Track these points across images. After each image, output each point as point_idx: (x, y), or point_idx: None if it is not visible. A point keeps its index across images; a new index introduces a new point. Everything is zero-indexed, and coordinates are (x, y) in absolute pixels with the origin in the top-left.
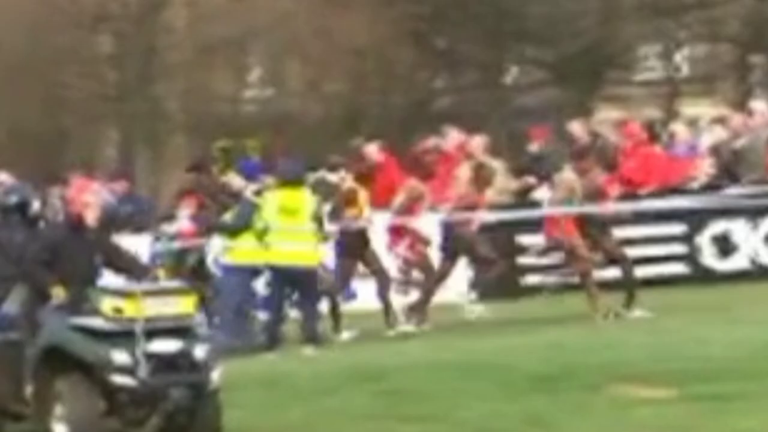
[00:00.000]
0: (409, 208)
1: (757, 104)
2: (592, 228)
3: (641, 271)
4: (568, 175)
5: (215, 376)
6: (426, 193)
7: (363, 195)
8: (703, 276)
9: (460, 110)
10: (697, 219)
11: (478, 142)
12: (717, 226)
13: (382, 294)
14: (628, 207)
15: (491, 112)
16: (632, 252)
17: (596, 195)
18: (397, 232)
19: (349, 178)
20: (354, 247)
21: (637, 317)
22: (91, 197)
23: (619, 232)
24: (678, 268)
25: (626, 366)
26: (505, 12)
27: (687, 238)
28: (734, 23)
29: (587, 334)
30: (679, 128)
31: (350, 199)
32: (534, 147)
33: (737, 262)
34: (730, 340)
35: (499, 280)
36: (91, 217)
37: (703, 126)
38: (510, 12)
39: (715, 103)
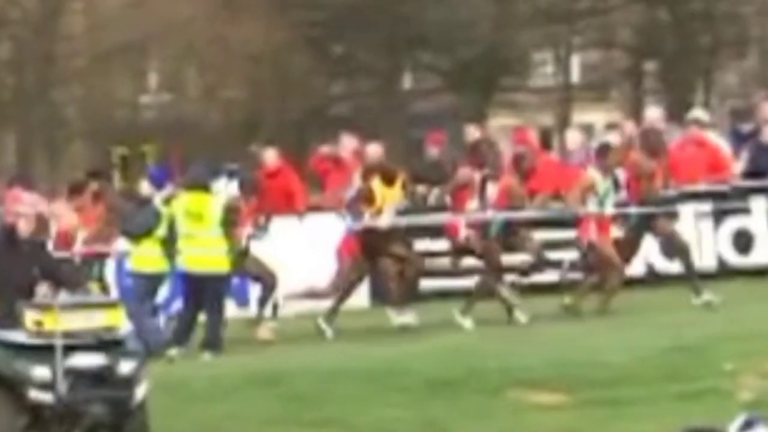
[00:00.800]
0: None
1: (650, 112)
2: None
3: (537, 278)
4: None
5: (141, 391)
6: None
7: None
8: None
9: (356, 116)
10: None
11: (374, 149)
12: (613, 233)
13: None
14: (518, 214)
15: (388, 118)
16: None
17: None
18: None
19: None
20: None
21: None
22: (25, 208)
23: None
24: (574, 275)
25: (523, 371)
26: (401, 19)
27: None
28: (627, 30)
29: (485, 340)
30: (572, 134)
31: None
32: (431, 153)
33: (633, 269)
34: (625, 346)
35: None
36: (24, 228)
37: (596, 132)
38: (406, 19)
39: (608, 110)
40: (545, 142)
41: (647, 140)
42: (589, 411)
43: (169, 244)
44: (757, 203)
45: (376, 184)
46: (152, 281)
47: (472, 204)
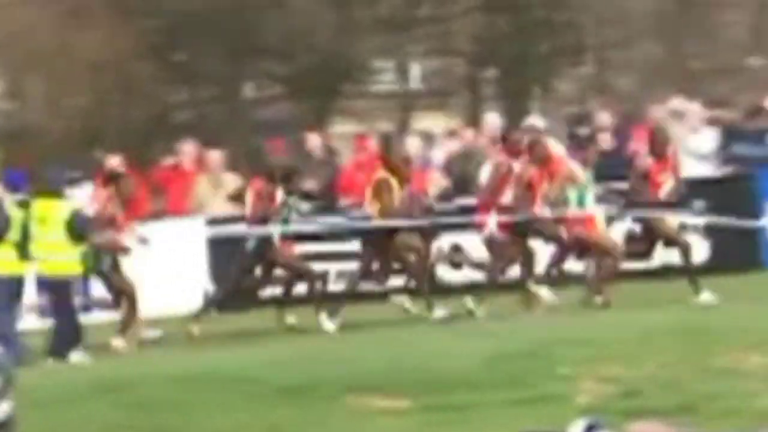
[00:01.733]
0: None
1: (489, 118)
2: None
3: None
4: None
5: (2, 409)
6: None
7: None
8: (435, 289)
9: (198, 124)
10: (428, 231)
11: (215, 156)
12: (449, 239)
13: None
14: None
15: (229, 125)
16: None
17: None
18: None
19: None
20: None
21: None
22: None
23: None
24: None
25: (365, 377)
26: (242, 27)
27: None
28: (466, 38)
29: (328, 346)
30: (412, 141)
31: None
32: (273, 160)
33: (469, 274)
34: (464, 351)
35: (238, 292)
36: None
37: (436, 139)
38: (247, 27)
39: (448, 116)
40: (386, 149)
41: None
42: (430, 416)
43: (23, 247)
44: None
45: (389, 176)
46: (9, 285)
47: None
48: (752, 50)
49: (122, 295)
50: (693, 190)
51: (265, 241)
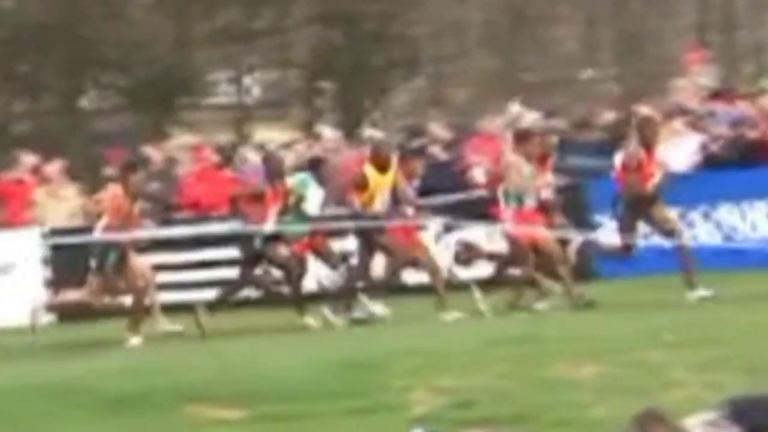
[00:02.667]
0: None
1: (325, 130)
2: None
3: (210, 294)
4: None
5: None
6: None
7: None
8: (272, 298)
9: (38, 135)
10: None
11: (53, 167)
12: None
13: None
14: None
15: (69, 136)
16: (205, 275)
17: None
18: None
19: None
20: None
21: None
22: None
23: (194, 255)
24: (251, 291)
25: (201, 387)
26: (81, 39)
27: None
28: (303, 50)
29: (164, 357)
30: (249, 152)
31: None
32: (110, 170)
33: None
34: (301, 361)
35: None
36: None
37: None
38: (86, 39)
39: (286, 128)
40: (224, 160)
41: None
42: (264, 426)
43: None
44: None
45: (369, 170)
46: None
47: None
48: (583, 63)
49: None
50: None
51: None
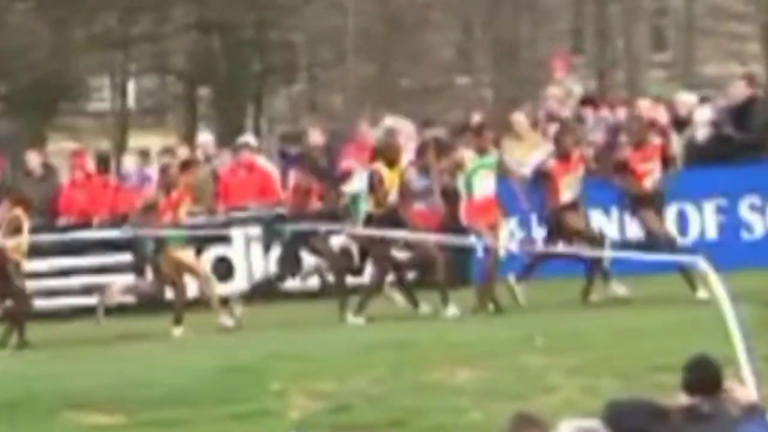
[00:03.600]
0: None
1: (202, 137)
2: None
3: (87, 300)
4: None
5: None
6: None
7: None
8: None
9: None
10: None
11: None
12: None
13: None
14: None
15: None
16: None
17: None
18: None
19: None
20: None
21: None
22: None
23: (69, 261)
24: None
25: (83, 393)
26: None
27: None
28: (181, 57)
29: (44, 363)
30: (128, 159)
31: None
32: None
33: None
34: (181, 366)
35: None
36: None
37: (152, 157)
38: None
39: (164, 134)
40: (103, 166)
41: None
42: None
43: None
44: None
45: (381, 167)
46: None
47: None
48: (459, 70)
49: None
50: None
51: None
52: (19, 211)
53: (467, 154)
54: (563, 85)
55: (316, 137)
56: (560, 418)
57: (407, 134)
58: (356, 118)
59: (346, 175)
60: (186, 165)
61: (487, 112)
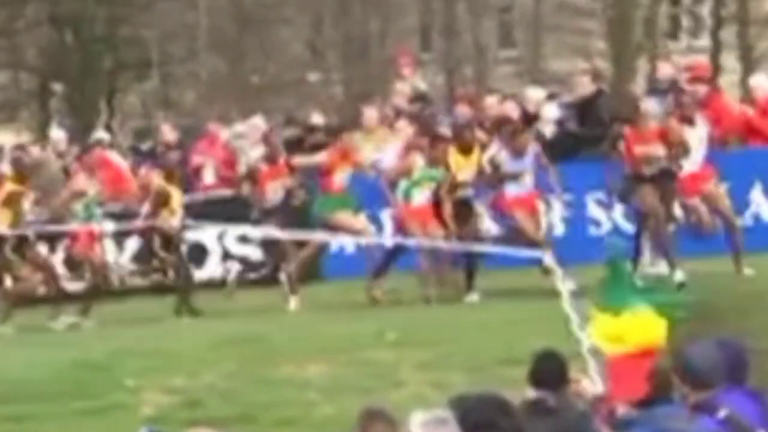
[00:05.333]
0: None
1: (54, 133)
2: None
3: None
4: None
5: None
6: None
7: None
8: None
9: None
10: None
11: None
12: None
13: None
14: None
15: None
16: None
17: None
18: None
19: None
20: None
21: None
22: None
23: None
24: None
25: None
26: None
27: None
28: (34, 52)
29: None
30: None
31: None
32: None
33: None
34: (34, 361)
35: None
36: None
37: (5, 153)
38: None
39: (18, 131)
40: None
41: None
42: None
43: None
44: None
45: (452, 152)
46: None
47: None
48: (310, 66)
49: None
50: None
51: None
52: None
53: (418, 161)
54: (409, 82)
55: (167, 133)
56: (409, 413)
57: (256, 133)
58: (208, 114)
59: (198, 171)
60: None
61: (338, 108)
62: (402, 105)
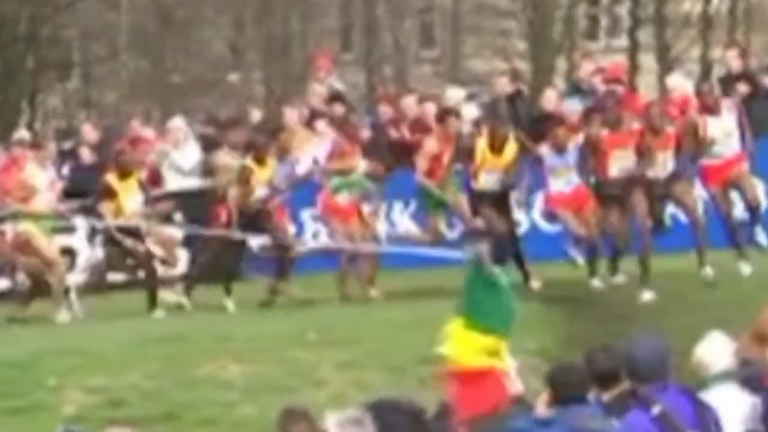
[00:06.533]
0: None
1: None
2: None
3: None
4: None
5: None
6: None
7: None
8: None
9: None
10: None
11: None
12: None
13: None
14: None
15: None
16: None
17: None
18: None
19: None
20: None
21: None
22: None
23: None
24: None
25: None
26: None
27: None
28: None
29: None
30: None
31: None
32: None
33: None
34: None
35: None
36: None
37: None
38: None
39: None
40: None
41: None
42: None
43: None
44: (80, 222)
45: (481, 144)
46: None
47: None
48: (231, 66)
49: None
50: (177, 203)
51: None
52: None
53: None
54: (326, 83)
55: (89, 133)
56: (329, 412)
57: (176, 132)
58: (130, 113)
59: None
60: None
61: (260, 108)
62: (318, 106)
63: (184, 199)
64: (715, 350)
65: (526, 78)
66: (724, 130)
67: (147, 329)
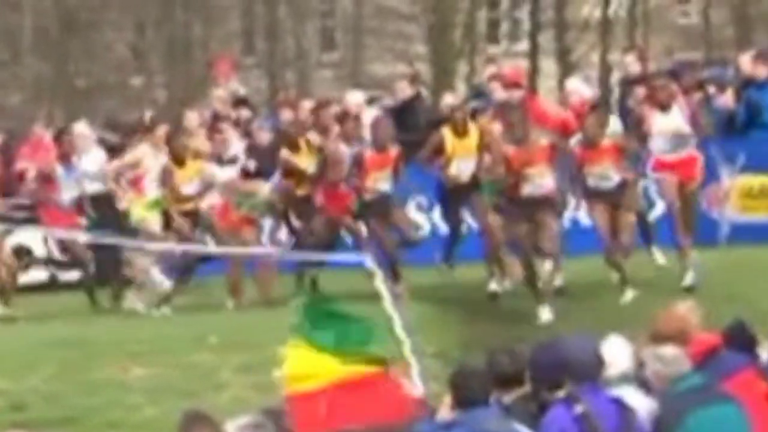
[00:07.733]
0: None
1: None
2: None
3: None
4: None
5: None
6: None
7: None
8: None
9: None
10: None
11: None
12: None
13: None
14: None
15: None
16: None
17: None
18: None
19: None
20: None
21: None
22: None
23: None
24: None
25: None
26: None
27: None
28: None
29: None
30: None
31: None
32: None
33: None
34: None
35: None
36: None
37: None
38: None
39: None
40: None
41: None
42: None
43: None
44: None
45: (447, 133)
46: None
47: None
48: (133, 69)
49: None
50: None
51: None
52: None
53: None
54: (227, 87)
55: None
56: (230, 415)
57: (82, 138)
58: (33, 117)
59: (22, 176)
60: None
61: (161, 111)
62: (221, 110)
63: (92, 201)
64: (613, 353)
65: (427, 82)
66: (672, 127)
67: (47, 333)
